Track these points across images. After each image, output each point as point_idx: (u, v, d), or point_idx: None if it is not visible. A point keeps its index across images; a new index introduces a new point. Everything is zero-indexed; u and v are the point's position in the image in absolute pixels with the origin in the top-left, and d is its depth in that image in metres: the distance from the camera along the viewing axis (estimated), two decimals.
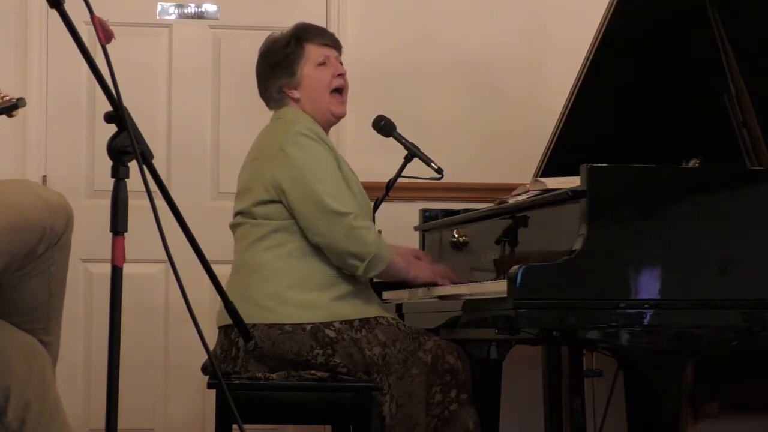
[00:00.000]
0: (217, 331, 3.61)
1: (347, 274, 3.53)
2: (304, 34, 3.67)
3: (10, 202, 2.44)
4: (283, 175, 3.49)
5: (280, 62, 3.63)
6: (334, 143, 4.72)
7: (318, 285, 3.49)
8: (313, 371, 3.42)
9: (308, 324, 3.43)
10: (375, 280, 3.85)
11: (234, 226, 3.64)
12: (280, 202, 3.51)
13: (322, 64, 3.66)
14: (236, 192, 3.67)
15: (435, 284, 3.62)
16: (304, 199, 3.47)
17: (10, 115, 2.66)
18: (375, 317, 3.51)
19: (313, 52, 3.65)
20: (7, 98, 2.62)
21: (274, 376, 3.43)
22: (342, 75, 3.69)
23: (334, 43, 3.72)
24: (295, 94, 3.63)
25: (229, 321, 3.35)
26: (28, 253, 2.46)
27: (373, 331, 3.46)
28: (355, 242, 3.46)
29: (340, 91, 3.69)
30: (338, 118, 3.72)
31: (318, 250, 3.51)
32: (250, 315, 3.36)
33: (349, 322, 3.46)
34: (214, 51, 4.86)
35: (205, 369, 3.61)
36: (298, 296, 3.46)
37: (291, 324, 3.42)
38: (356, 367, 3.42)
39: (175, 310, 4.74)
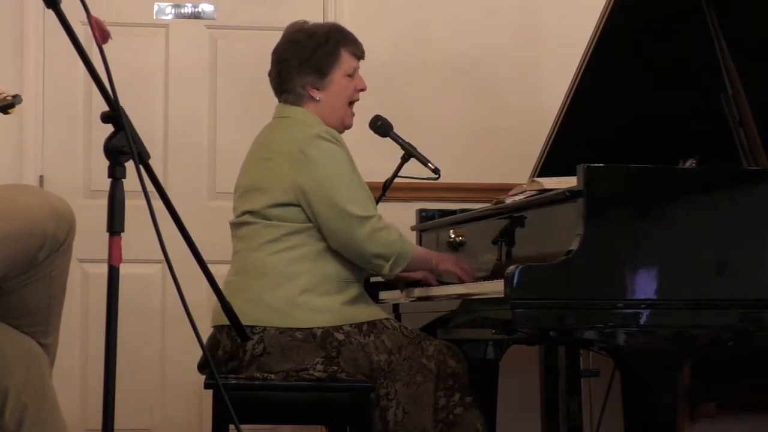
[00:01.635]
0: (212, 328, 3.59)
1: (355, 279, 3.54)
2: (341, 38, 3.65)
3: (17, 208, 2.44)
4: (305, 180, 3.46)
5: (315, 60, 3.59)
6: None
7: (330, 290, 3.48)
8: (311, 372, 3.41)
9: (319, 329, 3.42)
10: (373, 279, 3.86)
11: (238, 225, 3.60)
12: (298, 205, 3.49)
13: (350, 75, 3.65)
14: (241, 190, 3.61)
15: (455, 275, 3.61)
16: (329, 205, 3.45)
17: (6, 113, 2.66)
18: (380, 320, 3.51)
19: (347, 60, 3.64)
20: (3, 95, 2.61)
21: (272, 376, 3.42)
22: (363, 90, 3.70)
23: (362, 55, 3.71)
24: (317, 95, 3.61)
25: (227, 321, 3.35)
26: (30, 260, 2.46)
27: (380, 336, 3.45)
28: (380, 244, 3.47)
29: (352, 103, 3.70)
30: (347, 128, 3.72)
31: (330, 254, 3.50)
32: (261, 318, 3.36)
33: (358, 326, 3.45)
34: (211, 51, 4.86)
35: (201, 367, 3.59)
36: (312, 300, 3.45)
37: (302, 329, 3.41)
38: (359, 371, 3.42)
39: (172, 310, 4.73)
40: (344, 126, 3.69)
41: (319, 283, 3.48)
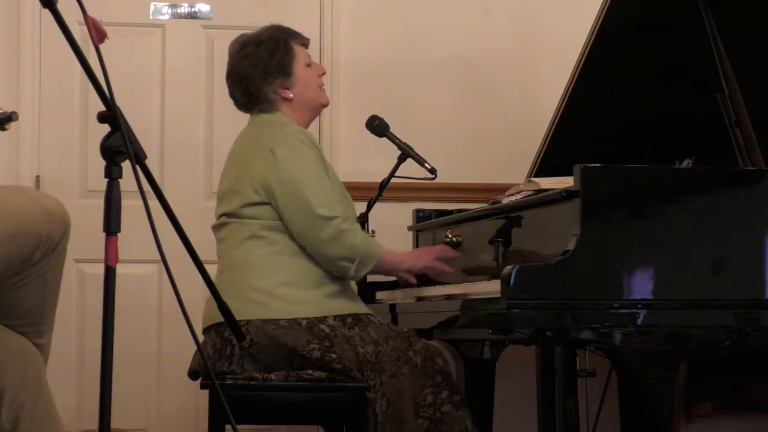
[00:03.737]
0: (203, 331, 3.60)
1: (336, 275, 3.55)
2: (287, 35, 3.71)
3: (9, 210, 2.44)
4: (272, 178, 3.50)
5: (276, 63, 3.63)
6: (327, 143, 4.73)
7: (310, 283, 3.51)
8: (310, 371, 3.42)
9: (303, 319, 3.44)
10: (370, 278, 3.86)
11: (218, 227, 3.64)
12: (268, 203, 3.52)
13: (309, 65, 3.70)
14: (219, 194, 3.67)
15: (434, 269, 3.63)
16: (293, 204, 3.48)
17: (2, 129, 2.66)
18: (366, 314, 3.53)
19: (300, 52, 3.70)
20: (1, 110, 2.61)
21: (273, 376, 3.42)
22: (324, 74, 3.77)
23: (308, 43, 3.79)
24: (288, 94, 3.65)
25: (218, 319, 3.35)
26: (25, 260, 2.46)
27: (365, 329, 3.47)
28: (343, 245, 3.48)
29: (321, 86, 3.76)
30: (325, 107, 3.79)
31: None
32: (244, 311, 3.37)
33: (342, 319, 3.47)
34: (207, 51, 4.86)
35: (191, 374, 3.59)
36: (292, 293, 3.48)
37: (286, 319, 3.43)
38: (350, 364, 3.42)
39: (168, 310, 4.74)
40: (323, 106, 3.76)
41: (300, 276, 3.50)
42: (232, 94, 3.70)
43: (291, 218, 3.50)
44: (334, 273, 3.54)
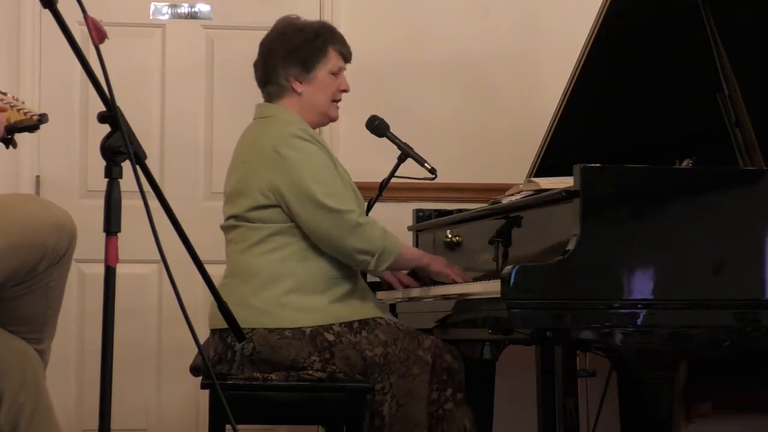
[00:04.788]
0: (209, 332, 3.60)
1: (345, 276, 3.53)
2: (331, 36, 3.67)
3: (18, 220, 2.45)
4: (281, 179, 3.48)
5: (302, 53, 3.60)
6: (328, 143, 4.73)
7: (317, 288, 3.49)
8: (311, 371, 3.41)
9: (308, 327, 3.42)
10: (370, 278, 3.85)
11: (227, 228, 3.63)
12: (278, 206, 3.50)
13: (335, 74, 3.66)
14: (226, 194, 3.65)
15: (447, 276, 3.61)
16: (305, 203, 3.46)
17: (32, 132, 2.67)
18: (373, 318, 3.51)
19: (333, 58, 3.66)
20: (30, 114, 2.61)
21: (273, 376, 3.42)
22: (345, 91, 3.71)
23: (349, 57, 3.73)
24: (300, 88, 3.62)
25: (223, 324, 3.35)
26: (29, 271, 2.47)
27: (373, 331, 3.46)
28: (362, 238, 3.46)
29: (335, 101, 3.70)
30: (332, 120, 3.74)
31: (317, 252, 3.51)
32: (249, 320, 3.35)
33: (349, 325, 3.46)
34: (207, 51, 4.86)
35: (193, 370, 3.59)
36: (298, 300, 3.46)
37: (291, 329, 3.41)
38: (353, 370, 3.42)
39: (169, 310, 4.73)
40: (329, 118, 3.71)
41: (307, 282, 3.48)
42: (255, 63, 3.70)
43: (305, 217, 3.48)
44: (354, 268, 3.54)
